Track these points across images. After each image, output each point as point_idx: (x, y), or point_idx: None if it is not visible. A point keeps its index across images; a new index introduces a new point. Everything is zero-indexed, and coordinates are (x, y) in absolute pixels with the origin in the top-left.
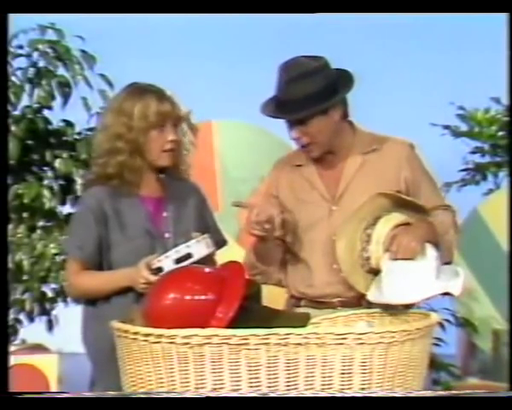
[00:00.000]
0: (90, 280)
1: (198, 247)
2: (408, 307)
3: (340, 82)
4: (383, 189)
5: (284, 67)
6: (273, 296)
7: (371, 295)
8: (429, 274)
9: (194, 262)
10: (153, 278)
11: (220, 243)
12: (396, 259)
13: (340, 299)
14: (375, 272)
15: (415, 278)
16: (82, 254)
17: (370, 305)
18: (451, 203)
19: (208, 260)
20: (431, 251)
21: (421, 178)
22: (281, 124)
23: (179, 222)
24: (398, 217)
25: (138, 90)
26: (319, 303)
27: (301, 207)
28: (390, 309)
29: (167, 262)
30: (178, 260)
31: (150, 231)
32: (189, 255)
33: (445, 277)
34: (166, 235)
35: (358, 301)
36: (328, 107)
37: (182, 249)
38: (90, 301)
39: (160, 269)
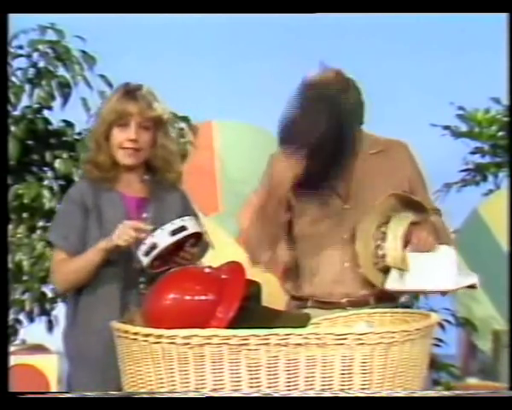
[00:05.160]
0: (69, 266)
1: (192, 222)
2: (443, 293)
3: None
4: (392, 188)
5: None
6: (273, 296)
7: (390, 285)
8: (455, 267)
9: (189, 235)
10: (144, 247)
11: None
12: (417, 251)
13: (348, 299)
14: (387, 270)
15: (444, 268)
16: (67, 244)
17: (378, 304)
18: (439, 206)
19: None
20: (446, 246)
21: (418, 178)
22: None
23: (159, 224)
24: (409, 216)
25: (116, 90)
26: (327, 303)
27: (310, 203)
28: (421, 294)
29: (162, 235)
30: (174, 232)
31: None
32: (183, 228)
33: (464, 271)
34: (142, 235)
35: (367, 300)
36: None
37: (177, 222)
38: (74, 305)
39: (154, 246)
